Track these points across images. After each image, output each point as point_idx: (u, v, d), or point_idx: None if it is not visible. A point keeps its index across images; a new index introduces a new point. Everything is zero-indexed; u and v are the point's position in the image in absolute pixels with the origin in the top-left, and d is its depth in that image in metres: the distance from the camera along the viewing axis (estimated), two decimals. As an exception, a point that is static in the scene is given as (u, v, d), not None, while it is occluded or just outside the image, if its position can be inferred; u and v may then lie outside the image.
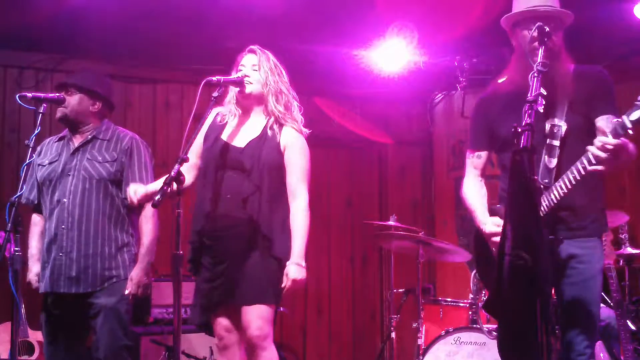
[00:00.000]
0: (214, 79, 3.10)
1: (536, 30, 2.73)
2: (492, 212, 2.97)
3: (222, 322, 3.16)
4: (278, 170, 3.16)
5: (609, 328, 4.29)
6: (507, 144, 2.67)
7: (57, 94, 3.62)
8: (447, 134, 6.43)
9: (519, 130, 2.27)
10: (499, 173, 3.12)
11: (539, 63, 2.57)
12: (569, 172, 2.66)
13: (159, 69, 5.69)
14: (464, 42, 5.23)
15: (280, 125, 3.19)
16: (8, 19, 4.71)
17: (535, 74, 2.52)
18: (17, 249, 3.25)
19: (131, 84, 5.66)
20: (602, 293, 4.43)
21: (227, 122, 3.27)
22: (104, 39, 5.02)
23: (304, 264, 3.07)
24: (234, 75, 3.21)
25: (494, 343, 3.86)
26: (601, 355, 4.28)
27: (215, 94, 3.12)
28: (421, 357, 4.37)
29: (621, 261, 4.58)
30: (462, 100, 5.83)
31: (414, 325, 4.59)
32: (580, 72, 2.92)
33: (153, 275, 4.82)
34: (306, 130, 3.26)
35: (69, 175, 3.54)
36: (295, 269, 3.04)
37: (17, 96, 3.40)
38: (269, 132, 3.18)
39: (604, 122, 2.84)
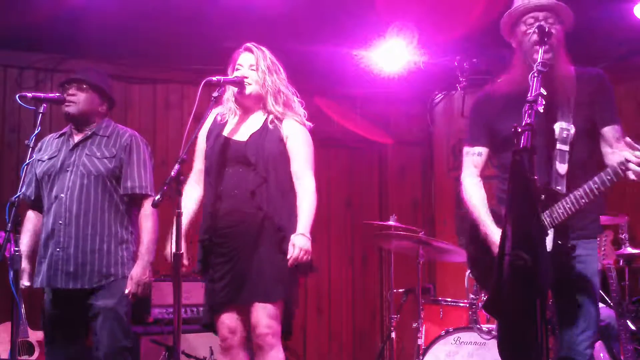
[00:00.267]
0: (214, 79, 3.11)
1: (536, 31, 2.73)
2: (492, 213, 2.96)
3: (227, 323, 3.15)
4: (283, 161, 3.16)
5: (609, 328, 4.29)
6: (508, 143, 2.67)
7: (59, 94, 3.62)
8: (447, 134, 6.43)
9: (519, 130, 2.27)
10: (496, 173, 3.10)
11: (539, 63, 2.57)
12: (591, 183, 2.65)
13: (159, 69, 5.69)
14: (464, 42, 5.23)
15: (281, 120, 3.20)
16: (8, 19, 4.71)
17: (535, 74, 2.52)
18: (17, 249, 3.25)
19: (131, 84, 5.66)
20: (602, 293, 4.46)
21: (227, 120, 3.27)
22: (104, 39, 5.02)
23: (309, 236, 3.05)
24: (233, 76, 3.21)
25: (494, 343, 3.86)
26: (601, 355, 4.28)
27: (215, 94, 3.12)
28: (421, 357, 4.37)
29: (621, 261, 4.58)
30: (462, 100, 5.82)
31: (414, 325, 4.59)
32: (581, 75, 2.91)
33: (154, 275, 4.83)
34: (309, 124, 3.26)
35: (68, 170, 3.54)
36: (301, 238, 3.02)
37: (17, 96, 3.39)
38: (270, 126, 3.18)
39: (610, 132, 2.87)
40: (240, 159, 3.13)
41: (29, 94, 3.45)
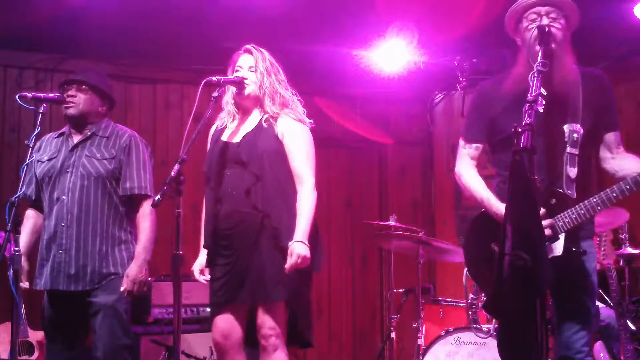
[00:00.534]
0: (214, 79, 3.11)
1: (536, 30, 2.73)
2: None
3: (221, 326, 3.13)
4: (279, 158, 3.13)
5: (609, 328, 4.29)
6: (508, 142, 2.66)
7: (59, 94, 3.62)
8: (447, 134, 6.43)
9: (519, 130, 2.27)
10: (494, 173, 3.09)
11: (538, 63, 2.57)
12: (609, 192, 2.66)
13: (159, 69, 5.69)
14: (464, 42, 5.23)
15: (276, 118, 3.19)
16: (8, 19, 4.71)
17: (535, 74, 2.52)
18: (17, 249, 3.24)
19: (131, 84, 5.66)
20: (602, 293, 4.46)
21: (226, 125, 3.28)
22: (104, 39, 5.02)
23: (307, 243, 3.02)
24: (232, 76, 3.22)
25: (494, 343, 3.86)
26: (601, 355, 4.29)
27: (215, 94, 3.12)
28: (421, 357, 4.37)
29: (621, 261, 4.58)
30: (462, 100, 5.82)
31: (414, 325, 4.59)
32: (588, 77, 2.89)
33: (153, 275, 4.83)
34: (309, 120, 3.25)
35: (68, 172, 3.54)
36: (299, 246, 3.00)
37: (17, 96, 3.39)
38: (264, 124, 3.17)
39: (612, 138, 2.89)
40: (235, 160, 3.13)
41: (29, 94, 3.45)
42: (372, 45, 5.17)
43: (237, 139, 3.20)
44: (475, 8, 4.44)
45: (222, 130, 3.29)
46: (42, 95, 3.50)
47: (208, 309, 3.67)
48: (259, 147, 3.11)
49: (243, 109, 3.27)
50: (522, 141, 2.24)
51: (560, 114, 2.81)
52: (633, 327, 4.33)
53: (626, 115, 5.37)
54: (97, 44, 5.09)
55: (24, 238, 3.63)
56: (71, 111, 3.60)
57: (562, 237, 2.73)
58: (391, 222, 4.85)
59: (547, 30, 2.73)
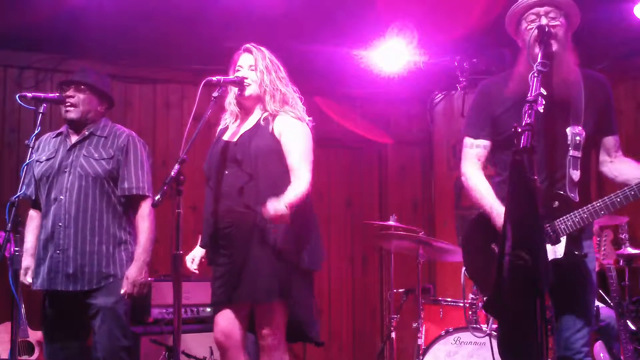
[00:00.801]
0: (214, 79, 3.10)
1: (536, 31, 2.73)
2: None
3: (221, 325, 3.14)
4: (274, 156, 3.11)
5: (609, 328, 4.29)
6: (509, 142, 2.65)
7: (59, 94, 3.62)
8: (447, 134, 6.43)
9: (519, 130, 2.27)
10: (494, 173, 3.09)
11: (538, 63, 2.57)
12: (614, 197, 2.67)
13: (159, 69, 5.69)
14: (464, 42, 5.23)
15: (274, 116, 3.17)
16: (8, 19, 4.71)
17: (535, 74, 2.52)
18: (17, 249, 3.26)
19: (131, 84, 5.66)
20: (602, 293, 4.46)
21: (228, 125, 3.29)
22: (104, 39, 5.02)
23: (287, 208, 2.85)
24: (232, 76, 3.22)
25: (494, 343, 3.86)
26: (601, 355, 4.29)
27: (215, 94, 3.12)
28: (421, 357, 4.37)
29: (621, 261, 4.58)
30: (462, 100, 5.82)
31: (414, 325, 4.60)
32: (590, 79, 2.89)
33: (153, 275, 4.82)
34: (308, 118, 3.24)
35: (66, 172, 3.54)
36: (277, 203, 2.85)
37: (17, 96, 3.39)
38: (262, 123, 3.17)
39: (611, 142, 2.90)
40: (231, 158, 3.13)
41: (29, 94, 3.45)
42: (372, 45, 5.17)
43: (236, 138, 3.20)
44: (475, 8, 4.44)
45: (225, 130, 3.30)
46: (42, 95, 3.51)
47: (208, 309, 3.69)
48: (252, 145, 3.11)
49: (245, 109, 3.27)
50: (522, 141, 2.24)
51: (562, 116, 2.81)
52: (633, 327, 4.34)
53: (626, 115, 5.37)
54: (97, 44, 5.09)
55: (30, 238, 3.64)
56: (71, 115, 3.60)
57: (563, 240, 2.73)
58: (391, 222, 4.84)
59: (547, 30, 2.73)
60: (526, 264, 2.22)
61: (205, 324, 4.56)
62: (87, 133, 3.63)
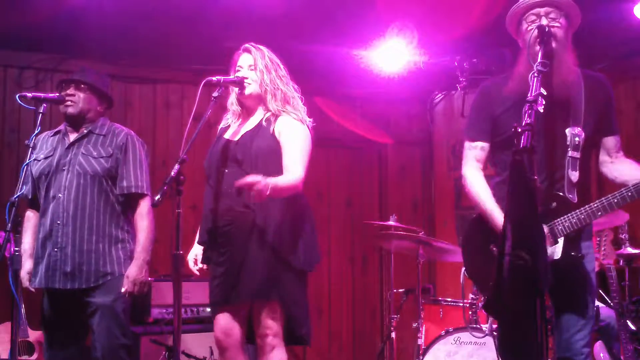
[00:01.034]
0: (214, 79, 3.11)
1: (536, 31, 2.73)
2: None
3: (221, 324, 3.14)
4: (273, 157, 3.11)
5: (609, 328, 4.29)
6: (509, 142, 2.65)
7: (59, 93, 3.62)
8: (447, 134, 6.43)
9: (519, 130, 2.27)
10: (493, 173, 3.09)
11: (538, 63, 2.57)
12: (611, 198, 2.66)
13: (159, 69, 5.69)
14: (464, 42, 5.23)
15: (276, 117, 3.18)
16: (8, 19, 4.71)
17: (535, 74, 2.52)
18: (17, 249, 3.26)
19: (131, 84, 5.66)
20: (602, 293, 4.46)
21: (230, 124, 3.29)
22: (104, 39, 5.02)
23: (271, 183, 2.81)
24: (232, 76, 3.22)
25: (494, 343, 3.86)
26: (601, 355, 4.29)
27: (215, 94, 3.12)
28: (421, 357, 4.37)
29: (621, 261, 4.58)
30: (462, 100, 5.83)
31: (414, 325, 4.59)
32: (590, 80, 2.89)
33: (153, 275, 4.82)
34: (309, 119, 3.23)
35: (64, 170, 3.54)
36: (260, 177, 2.82)
37: (17, 96, 3.40)
38: (264, 124, 3.17)
39: (612, 142, 2.89)
40: (232, 158, 3.14)
41: (29, 94, 3.45)
42: (372, 45, 5.17)
43: (237, 137, 3.20)
44: (475, 8, 4.44)
45: (226, 128, 3.30)
46: (42, 95, 3.51)
47: (208, 309, 3.68)
48: (253, 146, 3.11)
49: (247, 109, 3.28)
50: (522, 141, 2.24)
51: (561, 116, 2.81)
52: (633, 327, 4.33)
53: (626, 115, 5.37)
54: (97, 44, 5.09)
55: (27, 239, 3.64)
56: (71, 110, 3.60)
57: (561, 241, 2.73)
58: (391, 222, 4.84)
59: (547, 30, 2.73)
60: (526, 264, 2.22)
61: (205, 324, 4.56)
62: (85, 131, 3.63)
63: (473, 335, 4.18)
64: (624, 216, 4.37)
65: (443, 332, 4.36)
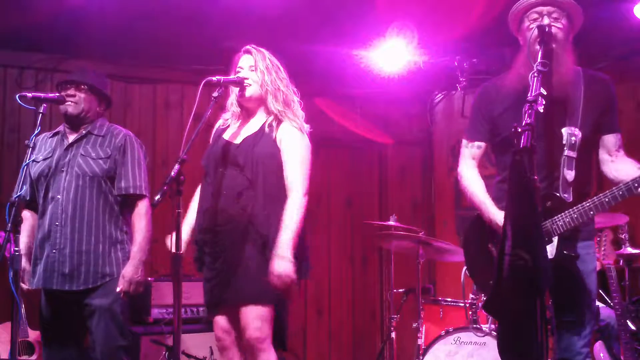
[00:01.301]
0: (214, 79, 3.10)
1: (536, 30, 2.73)
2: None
3: (220, 323, 3.15)
4: (274, 164, 3.12)
5: (609, 328, 4.29)
6: (508, 142, 2.66)
7: (59, 93, 3.62)
8: (447, 134, 6.43)
9: (519, 130, 2.27)
10: (494, 173, 3.09)
11: (539, 63, 2.57)
12: (602, 197, 2.65)
13: (159, 69, 5.69)
14: (464, 42, 5.23)
15: (279, 122, 3.19)
16: (8, 19, 4.71)
17: (535, 74, 2.52)
18: (17, 249, 3.25)
19: (131, 84, 5.66)
20: (602, 293, 4.46)
21: (229, 124, 3.29)
22: (104, 39, 5.02)
23: (289, 256, 2.95)
24: (233, 76, 3.22)
25: (494, 343, 3.86)
26: (601, 355, 4.29)
27: (215, 94, 3.12)
28: (421, 357, 4.37)
29: (621, 261, 4.58)
30: (462, 100, 5.83)
31: (414, 325, 4.59)
32: (589, 78, 2.88)
33: (153, 275, 4.83)
34: (307, 126, 3.24)
35: (63, 171, 3.54)
36: (281, 263, 2.94)
37: (17, 96, 3.39)
38: (267, 129, 3.17)
39: (612, 140, 2.88)
40: (232, 161, 3.14)
41: (29, 94, 3.44)
42: (372, 45, 5.17)
43: (237, 140, 3.20)
44: (475, 8, 4.44)
45: (225, 129, 3.29)
46: (42, 95, 3.51)
47: (208, 309, 3.68)
48: (256, 152, 3.12)
49: (247, 110, 3.28)
50: (522, 141, 2.24)
51: (559, 116, 2.81)
52: (633, 327, 4.33)
53: (626, 115, 5.37)
54: (97, 44, 5.10)
55: (24, 239, 3.63)
56: (71, 110, 3.60)
57: (555, 240, 2.73)
58: (391, 222, 4.84)
59: (547, 30, 2.73)
60: (526, 263, 2.22)
61: (205, 324, 4.56)
62: (84, 132, 3.63)
63: (476, 335, 4.18)
64: (623, 217, 4.38)
65: (443, 332, 4.36)
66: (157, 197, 2.75)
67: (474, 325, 4.25)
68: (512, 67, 2.93)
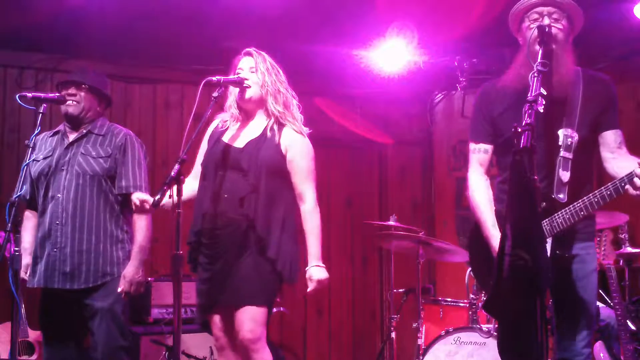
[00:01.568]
0: (214, 79, 3.11)
1: (536, 30, 2.73)
2: (497, 215, 2.94)
3: (218, 323, 3.16)
4: (277, 170, 3.15)
5: (609, 328, 4.29)
6: (509, 143, 2.65)
7: (59, 93, 3.62)
8: (447, 134, 6.43)
9: (519, 130, 2.27)
10: (496, 173, 3.09)
11: (538, 63, 2.57)
12: (592, 197, 2.65)
13: (159, 69, 5.69)
14: (464, 42, 5.23)
15: (281, 126, 3.19)
16: (8, 19, 4.71)
17: (535, 74, 2.52)
18: (17, 249, 3.25)
19: (131, 84, 5.66)
20: (602, 293, 4.46)
21: (229, 126, 3.28)
22: (104, 39, 5.02)
23: (322, 264, 3.12)
24: (233, 76, 3.22)
25: (494, 343, 3.86)
26: (601, 355, 4.29)
27: (215, 94, 3.12)
28: (421, 357, 4.37)
29: (621, 261, 4.58)
30: (462, 100, 5.83)
31: (414, 325, 4.59)
32: (590, 80, 2.87)
33: (153, 275, 4.83)
34: (306, 129, 3.26)
35: (63, 170, 3.54)
36: (317, 270, 3.10)
37: (17, 96, 3.39)
38: (269, 133, 3.18)
39: (612, 137, 2.85)
40: (235, 165, 3.13)
41: (29, 94, 3.45)
42: (372, 45, 5.17)
43: (239, 143, 3.19)
44: (475, 8, 4.44)
45: (224, 131, 3.28)
46: (42, 95, 3.51)
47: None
48: (260, 157, 3.12)
49: (246, 112, 3.27)
50: (522, 141, 2.24)
51: (556, 117, 2.80)
52: (633, 327, 4.33)
53: (626, 115, 5.37)
54: (97, 44, 5.10)
55: (27, 237, 3.63)
56: (72, 110, 3.60)
57: (549, 240, 2.73)
58: (391, 222, 4.84)
59: (547, 30, 2.73)
60: (526, 263, 2.22)
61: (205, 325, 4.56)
62: (84, 131, 3.63)
63: (481, 336, 4.18)
64: (623, 217, 4.38)
65: (443, 332, 4.36)
66: (157, 196, 2.76)
67: (477, 326, 4.24)
68: (512, 67, 2.92)
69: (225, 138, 3.24)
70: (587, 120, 2.82)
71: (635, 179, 2.55)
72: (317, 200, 3.21)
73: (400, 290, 5.04)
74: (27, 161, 3.40)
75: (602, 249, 4.36)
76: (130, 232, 3.62)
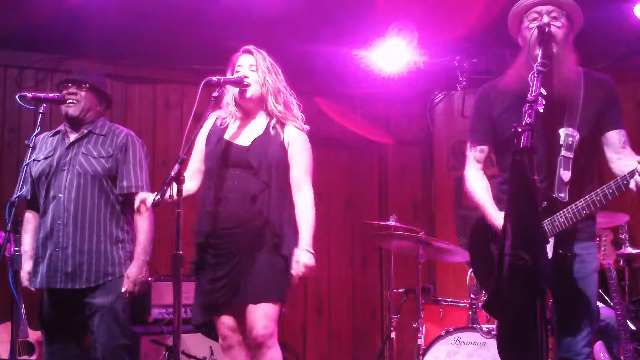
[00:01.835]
0: (214, 79, 3.11)
1: (536, 30, 2.73)
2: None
3: (227, 322, 3.16)
4: (284, 167, 3.18)
5: (609, 328, 4.29)
6: (509, 143, 2.65)
7: (59, 93, 3.62)
8: (447, 134, 6.43)
9: (519, 130, 2.27)
10: (497, 173, 3.09)
11: (539, 63, 2.57)
12: (594, 195, 2.65)
13: (159, 69, 5.69)
14: (464, 42, 5.23)
15: (282, 125, 3.21)
16: (8, 19, 4.71)
17: (535, 74, 2.52)
18: (17, 249, 3.25)
19: (131, 84, 5.66)
20: (602, 293, 4.46)
21: (228, 124, 3.27)
22: (104, 39, 5.02)
23: (312, 251, 3.11)
24: (233, 76, 3.21)
25: (494, 343, 3.86)
26: (601, 355, 4.29)
27: (215, 94, 3.12)
28: (421, 357, 4.37)
29: (621, 261, 4.58)
30: (462, 100, 5.83)
31: (414, 325, 4.59)
32: (590, 79, 2.88)
33: (153, 275, 4.82)
34: (306, 127, 3.28)
35: (64, 170, 3.54)
36: (305, 255, 3.08)
37: (17, 96, 3.39)
38: (272, 131, 3.19)
39: (616, 137, 2.85)
40: (242, 163, 3.13)
41: (29, 94, 3.45)
42: (372, 45, 5.17)
43: (243, 141, 3.19)
44: (475, 8, 4.44)
45: (223, 129, 3.27)
46: (42, 95, 3.51)
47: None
48: (269, 154, 3.14)
49: (245, 111, 3.27)
50: (522, 141, 2.24)
51: (557, 117, 2.80)
52: (633, 327, 4.33)
53: (626, 115, 5.31)
54: (97, 44, 5.09)
55: (28, 240, 3.63)
56: (72, 109, 3.60)
57: (551, 240, 2.72)
58: (391, 222, 4.84)
59: (547, 30, 2.73)
60: (526, 263, 2.22)
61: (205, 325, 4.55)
62: (85, 131, 3.63)
63: (481, 336, 4.18)
64: (623, 216, 4.38)
65: (443, 332, 4.36)
66: (157, 196, 2.76)
67: (478, 326, 4.24)
68: (512, 68, 2.92)
69: (227, 136, 3.23)
70: (589, 119, 2.82)
71: (637, 177, 2.54)
72: (315, 196, 3.22)
73: (400, 290, 5.04)
74: (27, 161, 3.40)
75: (602, 249, 4.36)
76: (131, 232, 3.63)
